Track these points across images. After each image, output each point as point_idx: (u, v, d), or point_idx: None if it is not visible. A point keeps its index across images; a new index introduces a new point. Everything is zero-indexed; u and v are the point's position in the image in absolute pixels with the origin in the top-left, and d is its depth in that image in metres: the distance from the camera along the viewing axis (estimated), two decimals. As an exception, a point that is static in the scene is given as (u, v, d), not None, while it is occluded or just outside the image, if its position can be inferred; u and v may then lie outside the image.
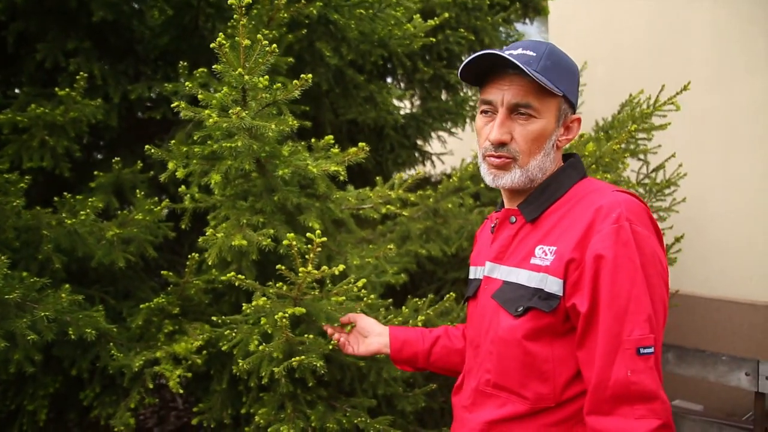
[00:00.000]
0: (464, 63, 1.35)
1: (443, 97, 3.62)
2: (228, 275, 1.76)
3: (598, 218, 1.26)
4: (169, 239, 2.36)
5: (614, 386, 1.20)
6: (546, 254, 1.32)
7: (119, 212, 2.19)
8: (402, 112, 3.55)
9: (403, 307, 2.24)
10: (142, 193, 2.20)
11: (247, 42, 1.68)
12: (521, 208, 1.42)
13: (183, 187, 2.15)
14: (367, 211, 2.25)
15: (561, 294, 1.28)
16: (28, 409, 2.13)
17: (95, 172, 2.32)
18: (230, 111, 1.68)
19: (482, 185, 2.84)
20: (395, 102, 3.50)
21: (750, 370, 2.64)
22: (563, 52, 1.40)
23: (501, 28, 3.47)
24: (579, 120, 1.43)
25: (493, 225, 1.51)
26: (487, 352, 1.41)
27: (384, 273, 2.39)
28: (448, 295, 2.29)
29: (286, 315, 1.72)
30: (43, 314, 1.76)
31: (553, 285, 1.28)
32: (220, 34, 1.71)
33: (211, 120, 1.69)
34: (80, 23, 2.38)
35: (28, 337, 1.72)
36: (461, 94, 3.60)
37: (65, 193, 2.11)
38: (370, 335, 1.79)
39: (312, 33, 2.46)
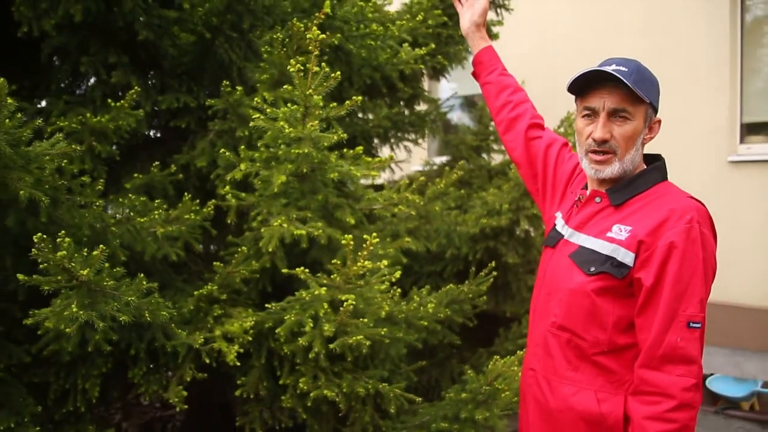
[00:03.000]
0: (575, 78, 1.70)
1: (405, 110, 4.06)
2: (297, 269, 2.12)
3: (673, 217, 1.59)
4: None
5: (665, 348, 1.55)
6: (621, 231, 1.65)
7: (165, 212, 2.46)
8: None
9: (415, 296, 2.65)
10: (189, 195, 2.49)
11: (316, 69, 2.05)
12: (609, 193, 1.73)
13: (227, 187, 2.48)
14: (379, 210, 2.66)
15: (632, 265, 1.61)
16: (84, 387, 2.36)
17: (135, 174, 2.59)
18: (308, 125, 2.04)
19: (462, 191, 3.31)
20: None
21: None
22: (646, 67, 1.71)
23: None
24: (660, 122, 1.75)
25: (577, 198, 1.83)
26: (557, 300, 1.75)
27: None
28: (446, 286, 2.73)
29: (353, 303, 2.10)
30: (128, 299, 2.04)
31: (626, 257, 1.61)
32: (292, 61, 2.07)
33: (286, 131, 2.05)
34: (119, 40, 2.64)
35: (120, 318, 2.00)
36: (417, 108, 4.07)
37: (130, 195, 2.37)
38: (479, 27, 2.23)
39: (324, 58, 2.83)
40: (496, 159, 4.89)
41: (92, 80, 2.72)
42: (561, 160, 2.05)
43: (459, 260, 3.39)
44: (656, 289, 1.58)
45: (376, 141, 4.00)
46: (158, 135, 3.02)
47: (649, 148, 1.80)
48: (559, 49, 5.56)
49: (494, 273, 3.04)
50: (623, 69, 1.65)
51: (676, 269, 1.56)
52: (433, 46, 3.17)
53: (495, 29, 4.17)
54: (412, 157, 4.68)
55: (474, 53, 2.26)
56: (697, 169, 5.01)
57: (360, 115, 3.79)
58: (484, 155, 4.83)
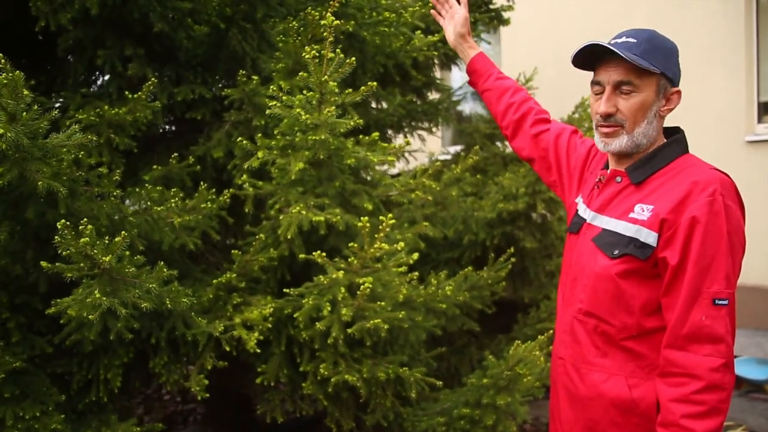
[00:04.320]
0: (575, 53, 1.66)
1: (416, 100, 4.04)
2: (315, 253, 2.12)
3: (695, 190, 1.53)
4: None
5: (690, 327, 1.49)
6: (643, 211, 1.59)
7: (181, 202, 2.47)
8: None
9: (432, 279, 2.65)
10: (205, 185, 2.50)
11: (331, 55, 2.04)
12: (629, 172, 1.68)
13: (244, 176, 2.48)
14: (396, 197, 2.65)
15: (655, 245, 1.56)
16: (107, 377, 2.38)
17: (154, 167, 2.60)
18: (324, 111, 2.04)
19: (479, 176, 3.30)
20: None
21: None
22: (662, 35, 1.66)
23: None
24: (679, 92, 1.66)
25: (597, 179, 1.78)
26: (583, 285, 1.71)
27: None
28: (465, 270, 2.72)
29: (370, 287, 2.09)
30: (149, 286, 2.06)
31: (648, 237, 1.56)
32: (307, 48, 2.07)
33: (303, 117, 2.05)
34: (134, 32, 2.65)
35: (142, 305, 2.01)
36: (430, 96, 4.05)
37: (147, 185, 2.39)
38: (465, 36, 2.19)
39: (338, 45, 2.83)
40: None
41: (108, 75, 2.73)
42: (573, 147, 2.02)
43: (476, 246, 3.38)
44: (681, 267, 1.53)
45: (390, 132, 4.00)
46: (174, 127, 3.03)
47: (668, 123, 1.75)
48: (570, 33, 5.50)
49: (512, 259, 3.03)
50: (632, 41, 1.61)
51: (699, 245, 1.51)
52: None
53: (506, 14, 4.16)
54: (426, 148, 4.67)
55: (466, 63, 2.24)
56: (714, 150, 4.92)
57: (373, 104, 3.80)
58: (498, 143, 4.81)
